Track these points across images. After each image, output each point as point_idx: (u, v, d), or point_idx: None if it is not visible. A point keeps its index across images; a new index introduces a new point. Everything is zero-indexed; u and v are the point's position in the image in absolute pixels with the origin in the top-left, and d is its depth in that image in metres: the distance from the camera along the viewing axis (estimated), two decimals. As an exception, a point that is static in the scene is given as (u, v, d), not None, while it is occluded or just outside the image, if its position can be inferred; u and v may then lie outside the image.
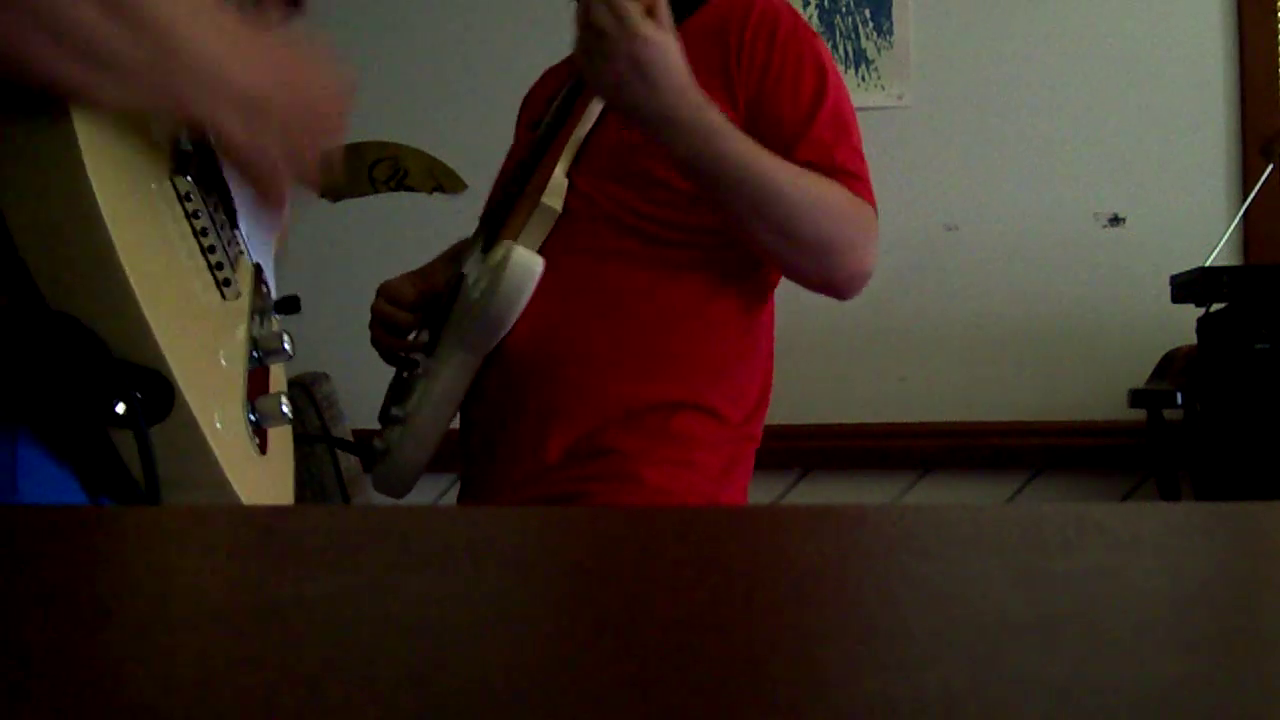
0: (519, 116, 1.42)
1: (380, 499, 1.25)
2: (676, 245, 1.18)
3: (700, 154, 1.07)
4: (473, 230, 1.43)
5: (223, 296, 0.68)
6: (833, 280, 1.16)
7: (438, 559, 0.32)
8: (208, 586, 0.29)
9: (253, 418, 0.70)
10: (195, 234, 0.65)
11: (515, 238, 1.15)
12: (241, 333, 0.71)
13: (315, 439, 2.12)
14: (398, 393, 1.26)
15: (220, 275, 0.68)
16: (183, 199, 0.64)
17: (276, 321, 0.77)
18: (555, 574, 0.30)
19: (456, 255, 1.34)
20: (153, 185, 0.62)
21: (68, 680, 0.20)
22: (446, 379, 1.17)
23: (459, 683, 0.20)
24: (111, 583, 0.29)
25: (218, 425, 0.61)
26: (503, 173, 1.39)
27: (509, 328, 1.13)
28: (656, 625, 0.24)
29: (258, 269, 0.76)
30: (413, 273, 1.33)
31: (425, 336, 1.25)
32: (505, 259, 1.11)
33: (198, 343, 0.63)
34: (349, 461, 2.20)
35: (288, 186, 0.69)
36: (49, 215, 0.53)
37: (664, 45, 1.04)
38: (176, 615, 0.26)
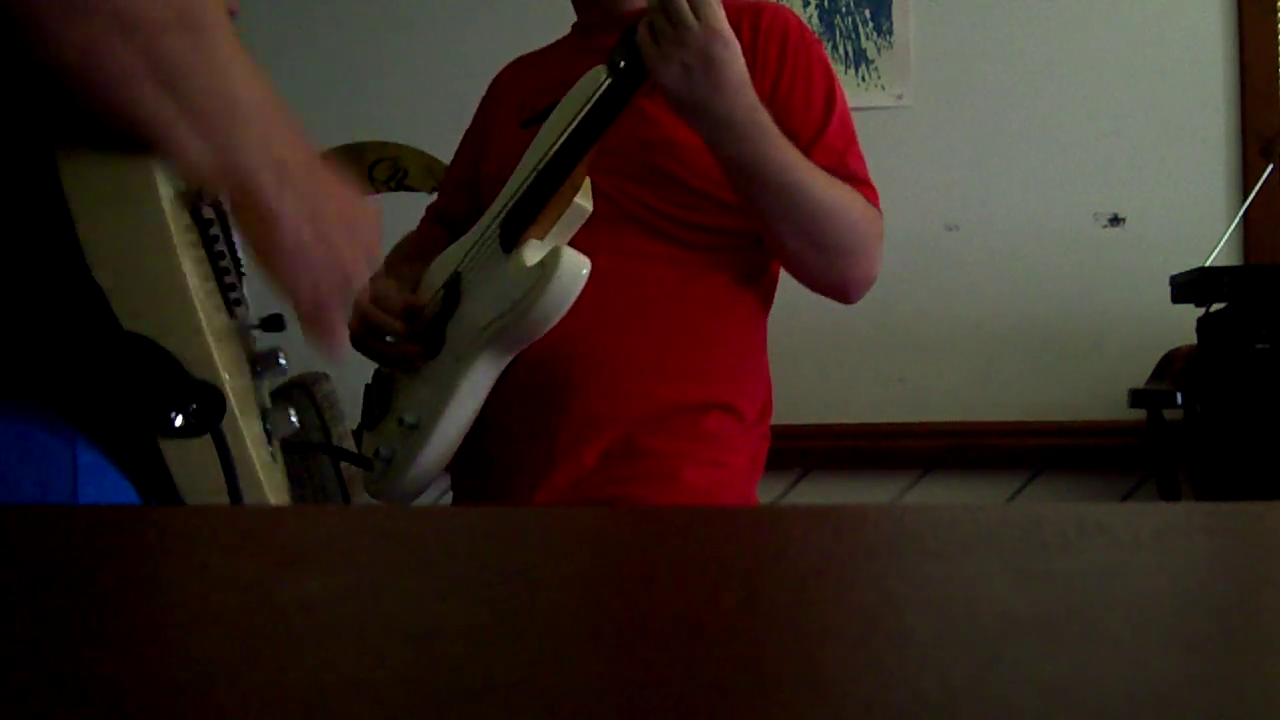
0: (487, 105, 1.38)
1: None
2: (697, 247, 1.18)
3: (746, 156, 1.08)
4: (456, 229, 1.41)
5: (231, 315, 0.69)
6: (844, 284, 1.18)
7: (438, 559, 0.32)
8: (208, 586, 0.29)
9: (268, 428, 0.71)
10: (211, 258, 0.67)
11: (542, 236, 1.13)
12: (245, 349, 0.72)
13: (318, 448, 2.12)
14: (385, 397, 1.23)
15: (231, 296, 0.69)
16: (205, 224, 0.66)
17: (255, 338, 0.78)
18: (555, 574, 0.30)
19: (419, 254, 1.30)
20: (185, 211, 0.64)
21: (68, 680, 0.20)
22: (470, 383, 1.13)
23: (458, 683, 0.20)
24: (112, 583, 0.29)
25: (249, 435, 0.63)
26: (460, 162, 1.37)
27: (548, 329, 1.11)
28: (657, 625, 0.24)
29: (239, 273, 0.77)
30: (389, 276, 1.26)
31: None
32: (555, 260, 1.08)
33: (228, 360, 0.65)
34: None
35: (314, 263, 0.67)
36: (127, 245, 0.57)
37: (735, 46, 1.05)
38: (177, 615, 0.26)
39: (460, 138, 1.43)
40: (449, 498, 2.14)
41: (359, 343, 1.24)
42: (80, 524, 0.39)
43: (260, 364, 0.74)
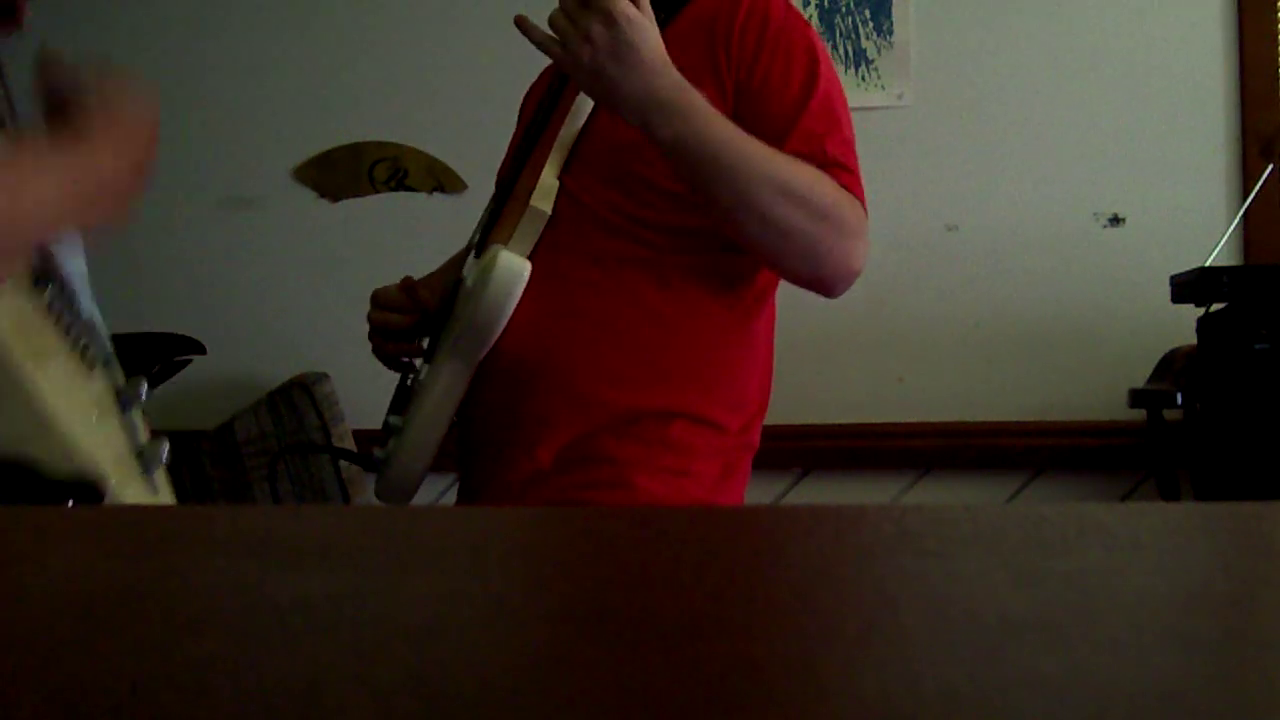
0: (520, 115, 1.41)
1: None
2: (668, 251, 1.15)
3: (684, 136, 1.04)
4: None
5: (90, 368, 0.75)
6: (820, 275, 1.11)
7: (438, 559, 0.32)
8: (208, 586, 0.29)
9: (140, 465, 0.77)
10: (63, 332, 0.72)
11: (506, 241, 1.14)
12: (110, 391, 0.78)
13: (319, 449, 2.12)
14: (398, 401, 1.25)
15: (88, 355, 0.74)
16: (49, 308, 0.71)
17: (121, 372, 0.82)
18: (555, 574, 0.30)
19: (461, 260, 1.33)
20: (28, 306, 0.69)
21: (68, 680, 0.20)
22: (440, 386, 1.15)
23: (459, 683, 0.20)
24: (112, 583, 0.29)
25: (127, 495, 0.70)
26: (500, 172, 1.39)
27: (498, 333, 1.11)
28: (656, 625, 0.24)
29: (90, 323, 0.82)
30: (406, 278, 1.32)
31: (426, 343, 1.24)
32: (491, 263, 1.09)
33: (95, 427, 0.71)
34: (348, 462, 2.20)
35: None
36: None
37: (639, 22, 1.02)
38: (177, 615, 0.26)
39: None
40: (450, 498, 2.14)
41: (376, 351, 1.28)
42: (80, 525, 0.39)
43: (125, 397, 0.79)
